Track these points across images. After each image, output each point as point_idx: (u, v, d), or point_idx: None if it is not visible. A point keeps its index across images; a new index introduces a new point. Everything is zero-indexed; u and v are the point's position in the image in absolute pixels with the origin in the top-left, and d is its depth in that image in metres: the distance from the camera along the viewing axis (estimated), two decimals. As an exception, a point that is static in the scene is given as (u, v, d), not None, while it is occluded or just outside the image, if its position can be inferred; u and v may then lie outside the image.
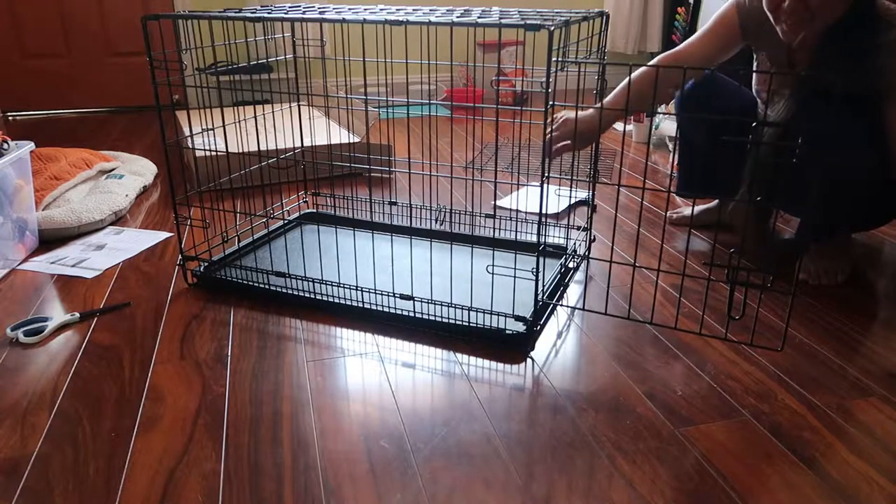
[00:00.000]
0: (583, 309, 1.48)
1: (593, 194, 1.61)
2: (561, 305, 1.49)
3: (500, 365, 1.27)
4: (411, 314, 1.39)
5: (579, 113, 1.53)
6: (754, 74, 1.72)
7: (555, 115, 1.35)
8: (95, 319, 1.45)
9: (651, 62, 1.73)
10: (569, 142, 1.53)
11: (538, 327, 1.37)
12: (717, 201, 1.95)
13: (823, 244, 1.63)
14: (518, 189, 2.21)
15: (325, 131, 2.15)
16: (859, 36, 1.44)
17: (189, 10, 3.49)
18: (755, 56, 1.69)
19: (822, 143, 1.47)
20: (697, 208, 2.00)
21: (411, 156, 2.56)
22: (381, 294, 1.43)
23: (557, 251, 1.68)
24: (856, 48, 1.44)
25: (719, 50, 1.67)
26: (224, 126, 1.48)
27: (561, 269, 1.54)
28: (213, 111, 1.57)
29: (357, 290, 1.43)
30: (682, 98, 1.75)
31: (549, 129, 1.54)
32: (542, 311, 1.39)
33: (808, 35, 1.48)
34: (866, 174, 1.49)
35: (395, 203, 1.94)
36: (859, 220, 1.64)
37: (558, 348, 1.33)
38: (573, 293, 1.56)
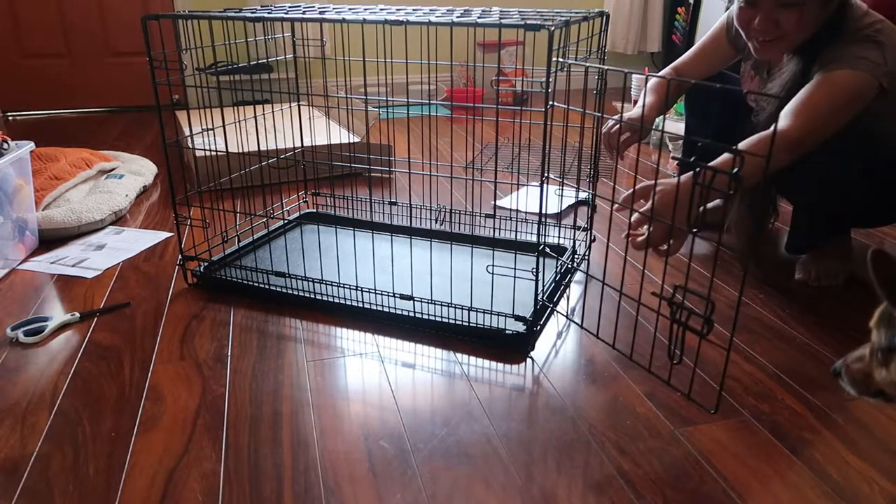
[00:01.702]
0: (570, 319, 1.47)
1: (594, 194, 1.61)
2: (557, 312, 1.49)
3: (500, 365, 1.27)
4: (411, 314, 1.39)
5: (629, 113, 1.55)
6: (741, 83, 1.72)
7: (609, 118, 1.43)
8: (95, 319, 1.45)
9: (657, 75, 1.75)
10: (629, 134, 1.54)
11: (538, 327, 1.37)
12: (719, 200, 1.95)
13: (821, 247, 1.63)
14: (518, 189, 2.21)
15: (325, 131, 2.15)
16: (830, 49, 1.41)
17: (189, 10, 3.49)
18: (742, 65, 1.71)
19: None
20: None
21: (411, 156, 2.56)
22: (381, 294, 1.43)
23: (558, 251, 1.68)
24: (820, 54, 1.41)
25: (715, 64, 1.72)
26: (224, 126, 1.48)
27: (561, 269, 1.54)
28: (213, 111, 1.57)
29: (357, 290, 1.43)
30: (688, 97, 1.76)
31: (610, 128, 1.56)
32: (542, 311, 1.39)
33: (778, 54, 1.47)
34: (851, 179, 1.47)
35: (394, 203, 1.94)
36: (852, 222, 1.65)
37: (558, 348, 1.33)
38: (574, 293, 1.56)
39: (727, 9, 1.66)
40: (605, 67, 1.21)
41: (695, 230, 1.02)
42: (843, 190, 1.48)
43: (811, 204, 1.56)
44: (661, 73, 1.80)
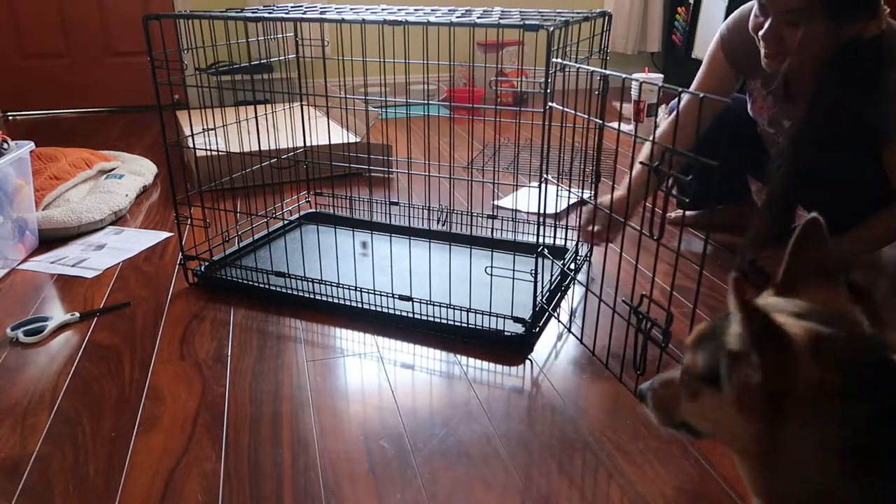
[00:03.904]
0: (569, 330, 1.47)
1: (595, 194, 1.61)
2: (556, 319, 1.49)
3: (500, 366, 1.27)
4: (410, 315, 1.39)
5: (605, 198, 1.49)
6: (749, 101, 1.68)
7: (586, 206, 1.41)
8: (95, 319, 1.45)
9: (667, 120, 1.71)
10: (600, 228, 1.52)
11: (537, 329, 1.37)
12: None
13: None
14: (518, 189, 2.21)
15: (325, 131, 2.15)
16: (863, 70, 1.37)
17: (190, 9, 3.49)
18: (749, 82, 1.65)
19: (834, 178, 1.44)
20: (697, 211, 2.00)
21: (411, 156, 2.56)
22: (381, 295, 1.43)
23: (557, 252, 1.68)
24: (858, 83, 1.37)
25: (720, 88, 1.62)
26: (225, 126, 1.48)
27: (561, 270, 1.54)
28: (214, 111, 1.58)
29: (356, 290, 1.43)
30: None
31: (583, 223, 1.54)
32: (541, 313, 1.39)
33: (787, 67, 1.42)
34: (868, 206, 1.48)
35: (396, 203, 1.94)
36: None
37: (558, 349, 1.33)
38: (574, 295, 1.56)
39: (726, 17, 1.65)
40: (602, 70, 1.21)
41: (657, 238, 1.01)
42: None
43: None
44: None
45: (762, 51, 1.42)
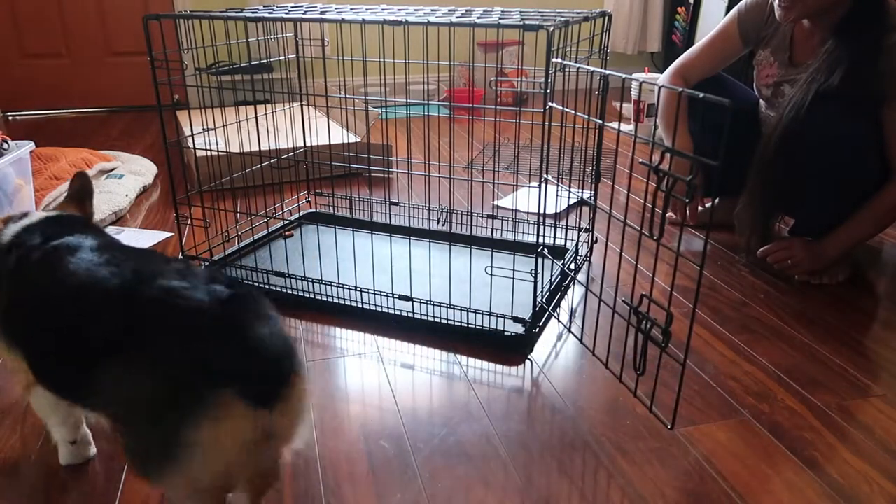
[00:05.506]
0: (569, 330, 1.47)
1: (595, 194, 1.61)
2: (556, 319, 1.49)
3: (500, 366, 1.27)
4: (410, 315, 1.39)
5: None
6: (755, 71, 1.73)
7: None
8: (95, 319, 1.45)
9: (661, 78, 1.76)
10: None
11: (537, 329, 1.37)
12: (716, 199, 1.95)
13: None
14: (518, 189, 2.21)
15: (325, 131, 2.16)
16: (865, 36, 1.43)
17: (189, 9, 3.49)
18: (758, 53, 1.71)
19: (824, 144, 1.47)
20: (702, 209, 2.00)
21: (411, 156, 2.56)
22: (381, 295, 1.43)
23: (557, 252, 1.68)
24: (860, 48, 1.43)
25: (721, 60, 1.77)
26: (225, 126, 1.48)
27: (561, 270, 1.54)
28: (214, 111, 1.58)
29: (356, 290, 1.44)
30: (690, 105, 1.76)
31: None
32: (542, 312, 1.39)
33: (798, 16, 1.50)
34: (866, 175, 1.49)
35: (396, 203, 1.94)
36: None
37: (558, 350, 1.33)
38: (574, 295, 1.56)
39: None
40: (602, 70, 1.21)
41: (657, 238, 1.01)
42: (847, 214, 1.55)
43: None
44: (667, 72, 1.80)
45: (776, 4, 1.50)
